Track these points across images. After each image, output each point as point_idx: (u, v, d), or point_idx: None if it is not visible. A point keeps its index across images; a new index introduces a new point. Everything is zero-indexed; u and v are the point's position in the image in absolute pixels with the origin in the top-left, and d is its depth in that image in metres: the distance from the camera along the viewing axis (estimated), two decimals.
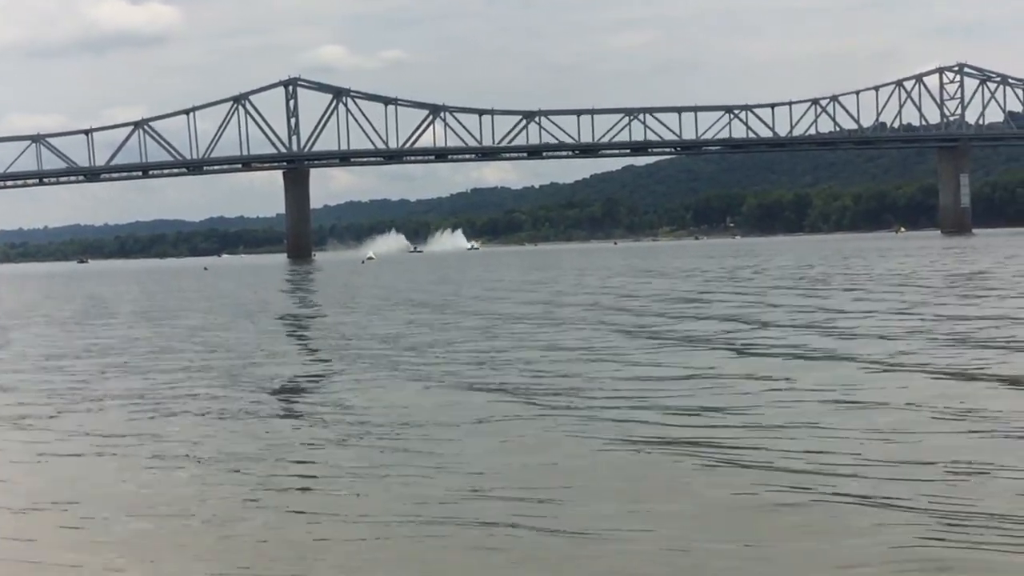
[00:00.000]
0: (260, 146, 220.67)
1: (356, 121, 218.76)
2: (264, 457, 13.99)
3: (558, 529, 10.04)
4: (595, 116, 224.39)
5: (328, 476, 12.73)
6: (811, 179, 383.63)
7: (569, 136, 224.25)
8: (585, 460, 12.92)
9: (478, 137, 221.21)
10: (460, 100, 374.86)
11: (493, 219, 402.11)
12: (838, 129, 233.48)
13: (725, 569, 8.87)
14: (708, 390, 18.03)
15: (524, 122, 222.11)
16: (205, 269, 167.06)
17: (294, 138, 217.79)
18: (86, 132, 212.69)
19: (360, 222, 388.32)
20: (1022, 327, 25.97)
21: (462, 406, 17.30)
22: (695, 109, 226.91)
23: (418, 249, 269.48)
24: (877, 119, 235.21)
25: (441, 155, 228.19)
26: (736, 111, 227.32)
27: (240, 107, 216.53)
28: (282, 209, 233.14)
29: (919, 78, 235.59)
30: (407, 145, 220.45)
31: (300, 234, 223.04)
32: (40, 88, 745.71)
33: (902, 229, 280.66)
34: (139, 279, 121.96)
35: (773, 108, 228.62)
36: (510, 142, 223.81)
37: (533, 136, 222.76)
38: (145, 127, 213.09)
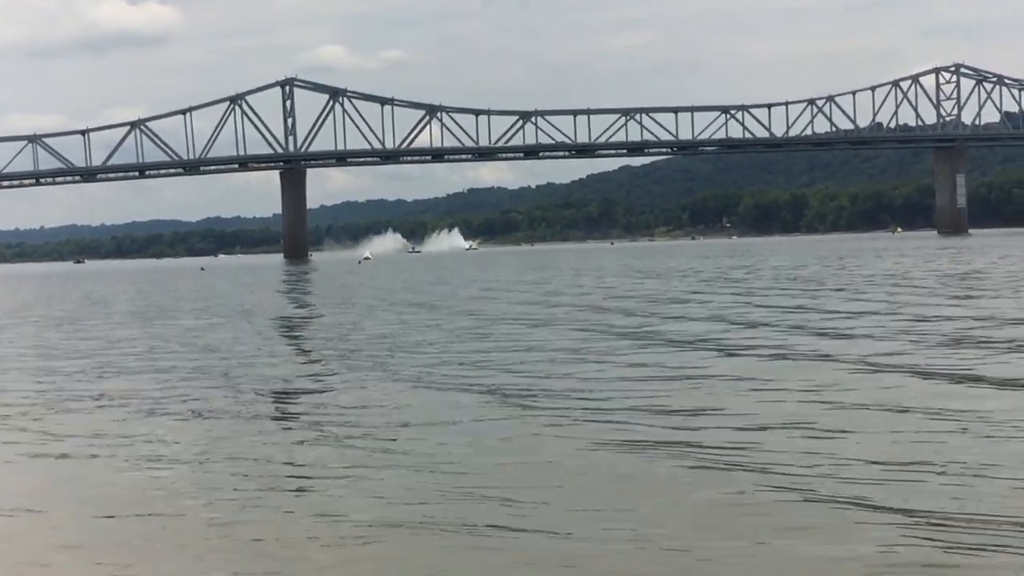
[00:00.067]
0: (257, 146, 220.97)
1: (353, 121, 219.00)
2: (251, 457, 14.04)
3: (544, 530, 10.08)
4: (592, 116, 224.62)
5: (316, 477, 12.78)
6: (807, 179, 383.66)
7: (565, 136, 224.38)
8: (571, 460, 12.95)
9: (475, 137, 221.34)
10: (459, 100, 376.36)
11: (490, 219, 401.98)
12: (834, 129, 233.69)
13: (713, 570, 8.92)
14: (694, 390, 18.07)
15: (520, 122, 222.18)
16: (202, 269, 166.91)
17: (291, 138, 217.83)
18: (83, 132, 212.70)
19: (357, 222, 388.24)
20: (1011, 327, 26.03)
21: (450, 407, 17.33)
22: (691, 109, 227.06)
23: (416, 249, 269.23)
24: (873, 119, 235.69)
25: (438, 155, 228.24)
26: (732, 111, 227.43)
27: (237, 107, 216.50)
28: (279, 209, 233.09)
29: (915, 78, 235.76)
30: (404, 145, 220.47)
31: (297, 234, 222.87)
32: (39, 88, 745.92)
33: (899, 229, 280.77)
34: (135, 279, 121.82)
35: (769, 108, 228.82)
36: (507, 142, 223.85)
37: (530, 136, 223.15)
38: (142, 127, 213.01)
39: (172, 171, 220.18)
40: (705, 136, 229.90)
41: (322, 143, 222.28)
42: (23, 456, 15.04)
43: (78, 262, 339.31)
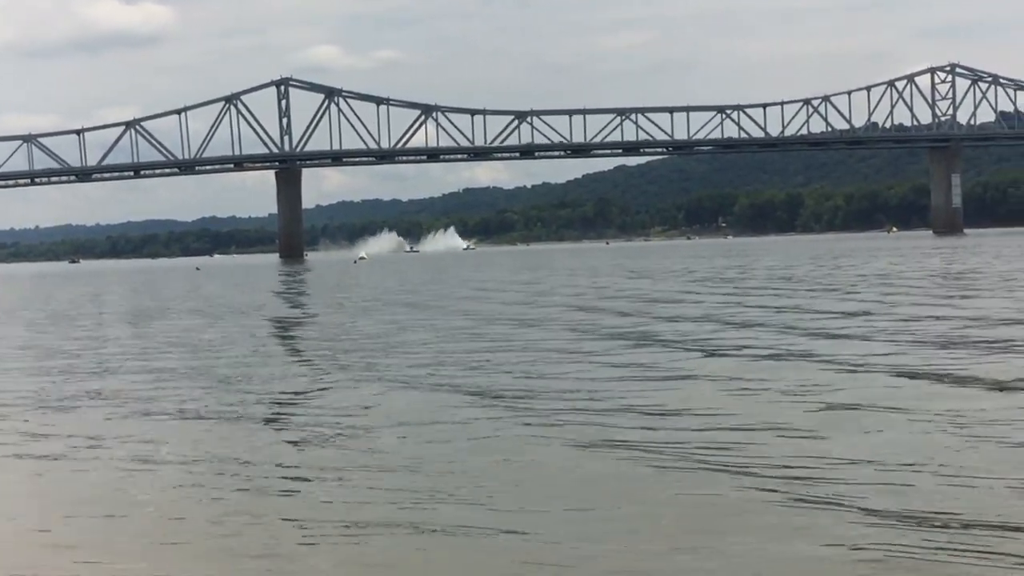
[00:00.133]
0: (252, 146, 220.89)
1: (348, 121, 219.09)
2: (235, 458, 14.00)
3: (529, 531, 10.07)
4: (587, 116, 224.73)
5: (300, 478, 12.75)
6: (803, 179, 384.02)
7: (561, 136, 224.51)
8: (555, 461, 12.94)
9: (470, 137, 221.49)
10: (454, 100, 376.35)
11: (485, 219, 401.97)
12: (830, 129, 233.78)
13: (699, 571, 8.91)
14: (682, 391, 18.05)
15: (516, 122, 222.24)
16: (197, 269, 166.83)
17: (286, 138, 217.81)
18: (78, 132, 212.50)
19: (352, 222, 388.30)
20: (1001, 328, 26.04)
21: (438, 407, 17.31)
22: (687, 109, 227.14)
23: (414, 249, 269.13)
24: (869, 119, 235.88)
25: (433, 155, 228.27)
26: (728, 111, 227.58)
27: (232, 107, 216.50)
28: (274, 209, 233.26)
29: (911, 78, 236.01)
30: (399, 145, 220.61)
31: (292, 234, 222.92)
32: (34, 88, 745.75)
33: (894, 229, 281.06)
34: (130, 279, 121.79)
35: (765, 108, 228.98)
36: (502, 142, 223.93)
37: (525, 136, 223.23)
38: (137, 127, 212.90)
39: (167, 171, 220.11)
40: (701, 136, 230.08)
41: (317, 143, 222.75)
42: (7, 457, 15.01)
43: (73, 262, 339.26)
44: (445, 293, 57.90)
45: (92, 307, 59.97)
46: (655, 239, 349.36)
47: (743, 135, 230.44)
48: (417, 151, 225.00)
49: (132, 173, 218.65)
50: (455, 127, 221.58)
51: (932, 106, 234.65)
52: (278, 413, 17.93)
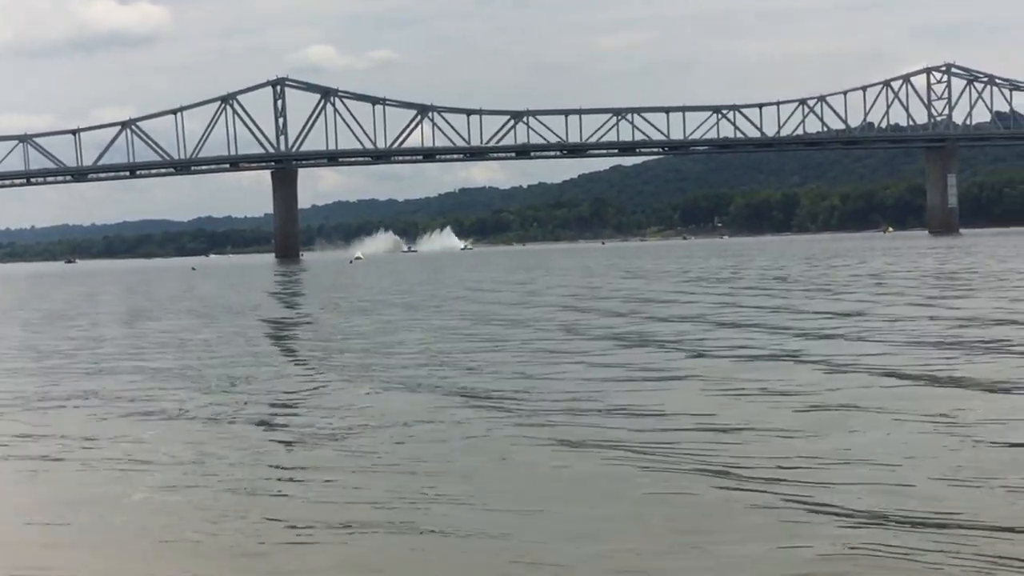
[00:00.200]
0: (248, 146, 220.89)
1: (344, 121, 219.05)
2: (219, 458, 14.02)
3: (510, 531, 10.11)
4: (583, 116, 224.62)
5: (286, 479, 12.78)
6: (799, 179, 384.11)
7: (557, 136, 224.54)
8: (541, 462, 12.98)
9: (466, 137, 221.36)
10: (451, 100, 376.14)
11: (481, 219, 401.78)
12: (826, 129, 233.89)
13: (676, 572, 8.94)
14: (669, 392, 18.08)
15: (512, 122, 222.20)
16: (193, 269, 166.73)
17: (282, 138, 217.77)
18: (73, 132, 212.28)
19: (348, 222, 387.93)
20: (994, 328, 26.08)
21: (427, 408, 17.33)
22: (683, 109, 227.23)
23: (412, 249, 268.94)
24: (864, 119, 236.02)
25: (429, 155, 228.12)
26: (724, 111, 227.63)
27: (228, 107, 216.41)
28: (270, 209, 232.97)
29: (906, 78, 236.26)
30: (395, 145, 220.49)
31: (288, 234, 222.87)
32: (30, 88, 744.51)
33: (890, 229, 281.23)
34: (126, 279, 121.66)
35: (761, 108, 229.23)
36: (498, 142, 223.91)
37: (521, 136, 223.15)
38: (132, 127, 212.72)
39: (163, 171, 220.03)
40: (696, 136, 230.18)
41: (313, 143, 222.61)
42: (1, 458, 15.06)
43: (69, 262, 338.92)
44: (440, 293, 57.91)
45: (87, 307, 59.92)
46: (651, 239, 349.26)
47: (739, 135, 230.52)
48: (413, 151, 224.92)
49: (128, 173, 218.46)
50: (451, 127, 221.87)
51: (928, 106, 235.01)
52: (271, 413, 17.94)
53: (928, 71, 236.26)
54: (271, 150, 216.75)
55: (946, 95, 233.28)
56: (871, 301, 36.99)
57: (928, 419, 14.45)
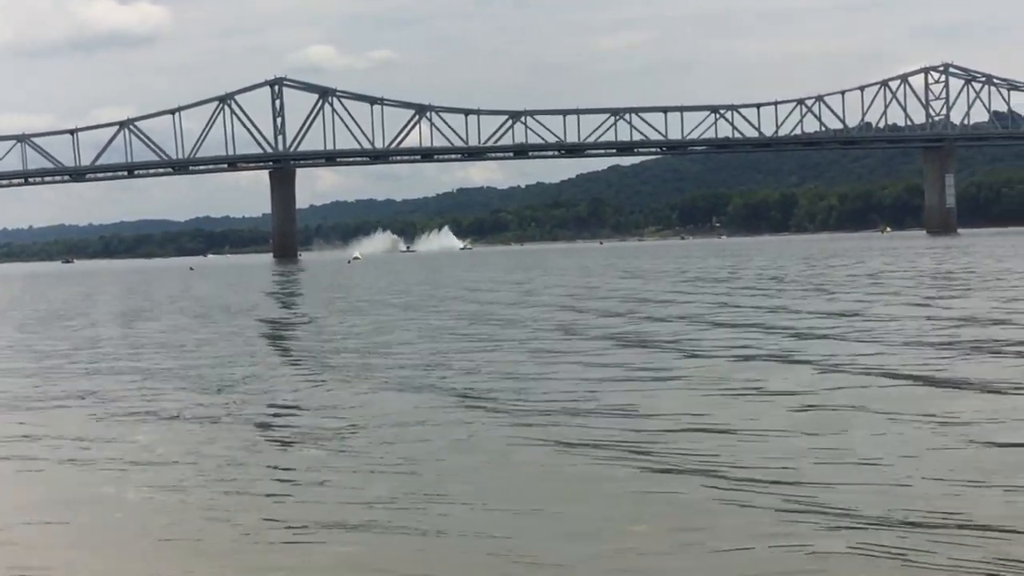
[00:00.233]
0: (246, 146, 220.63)
1: (342, 121, 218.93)
2: (212, 458, 14.04)
3: (506, 531, 10.13)
4: (581, 116, 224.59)
5: (279, 480, 12.80)
6: (797, 179, 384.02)
7: (555, 136, 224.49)
8: (539, 461, 12.99)
9: (464, 137, 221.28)
10: (453, 101, 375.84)
11: (479, 219, 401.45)
12: (824, 129, 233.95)
13: (672, 571, 8.96)
14: (663, 392, 18.10)
15: (510, 122, 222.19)
16: (191, 269, 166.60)
17: (280, 138, 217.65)
18: (71, 132, 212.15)
19: (346, 222, 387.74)
20: (991, 328, 26.09)
21: (425, 408, 17.35)
22: (681, 109, 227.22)
23: (411, 248, 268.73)
24: (862, 119, 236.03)
25: (427, 155, 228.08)
26: (722, 111, 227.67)
27: (226, 107, 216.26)
28: (268, 209, 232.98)
29: (904, 78, 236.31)
30: (393, 145, 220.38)
31: (286, 234, 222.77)
32: (28, 87, 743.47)
33: (888, 229, 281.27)
34: (124, 279, 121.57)
35: (759, 108, 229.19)
36: (496, 142, 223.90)
37: (519, 136, 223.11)
38: (130, 127, 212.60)
39: (161, 171, 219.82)
40: (694, 136, 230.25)
41: (311, 143, 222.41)
42: None
43: (67, 262, 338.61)
44: (438, 293, 57.90)
45: (85, 307, 59.89)
46: (649, 239, 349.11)
47: (737, 135, 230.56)
48: (411, 151, 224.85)
49: (126, 173, 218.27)
50: (449, 127, 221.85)
51: (926, 106, 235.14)
52: (270, 413, 17.94)
53: (926, 71, 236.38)
54: (269, 150, 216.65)
55: (944, 95, 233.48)
56: (868, 301, 37.01)
57: (925, 419, 14.47)
